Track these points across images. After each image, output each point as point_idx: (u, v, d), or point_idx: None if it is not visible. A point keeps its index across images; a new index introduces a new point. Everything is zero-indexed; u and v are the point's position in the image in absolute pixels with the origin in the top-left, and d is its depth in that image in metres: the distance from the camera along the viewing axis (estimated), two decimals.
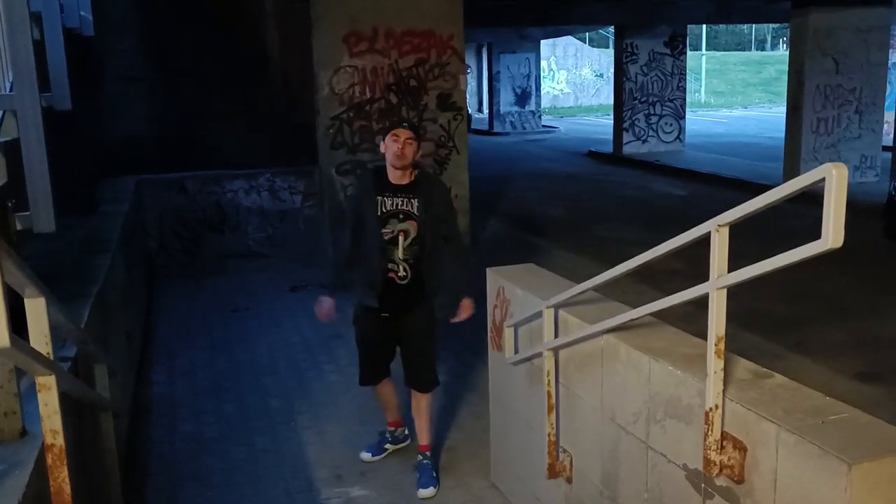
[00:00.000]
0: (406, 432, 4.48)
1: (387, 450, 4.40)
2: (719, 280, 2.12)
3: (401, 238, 3.84)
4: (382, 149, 3.84)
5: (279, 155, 9.16)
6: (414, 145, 3.77)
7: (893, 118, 11.09)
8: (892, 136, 11.25)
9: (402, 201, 3.84)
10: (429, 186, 3.93)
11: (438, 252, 3.95)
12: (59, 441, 1.96)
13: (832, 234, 1.69)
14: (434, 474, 4.11)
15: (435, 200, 3.90)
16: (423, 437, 4.19)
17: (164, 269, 8.45)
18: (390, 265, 3.88)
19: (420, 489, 4.02)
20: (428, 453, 4.18)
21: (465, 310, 4.05)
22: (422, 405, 4.15)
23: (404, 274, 3.89)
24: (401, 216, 3.84)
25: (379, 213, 3.83)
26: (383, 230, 3.84)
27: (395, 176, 3.84)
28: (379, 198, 3.84)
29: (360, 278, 3.99)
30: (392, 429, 4.43)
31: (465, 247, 4.09)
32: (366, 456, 4.37)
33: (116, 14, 8.82)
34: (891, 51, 13.82)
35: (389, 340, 4.11)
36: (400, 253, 3.86)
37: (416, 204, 3.84)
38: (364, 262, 3.94)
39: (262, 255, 8.76)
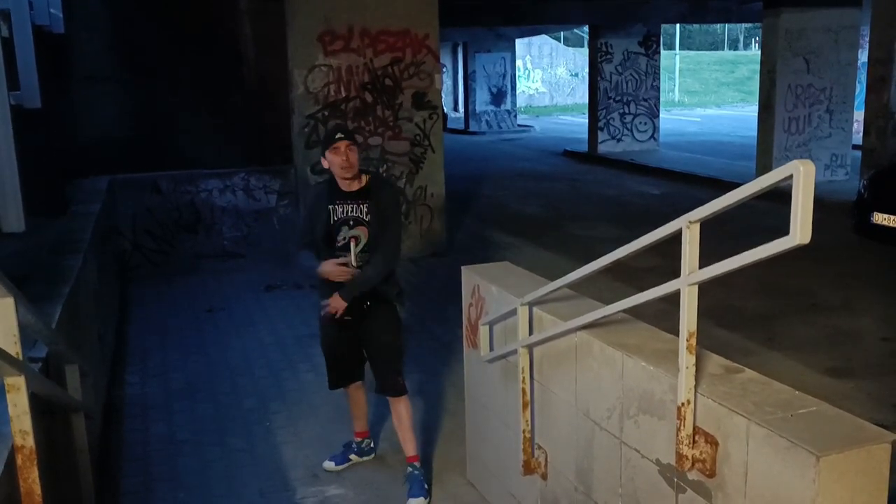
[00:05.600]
0: (371, 445, 4.42)
1: (350, 461, 4.32)
2: (690, 276, 2.14)
3: (352, 244, 3.83)
4: (325, 164, 3.83)
5: (253, 154, 9.12)
6: (356, 150, 3.78)
7: (863, 117, 11.24)
8: (860, 134, 11.41)
9: (353, 207, 3.83)
10: (380, 191, 3.90)
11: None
12: (29, 442, 1.94)
13: (800, 230, 1.72)
14: (425, 486, 3.99)
15: (383, 205, 3.85)
16: (409, 448, 4.06)
17: (137, 269, 8.38)
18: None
19: (410, 499, 3.92)
20: (417, 464, 4.05)
21: (331, 302, 3.83)
22: (401, 414, 4.04)
23: None
24: (351, 223, 3.83)
25: (331, 222, 3.84)
26: (336, 238, 3.85)
27: (345, 184, 3.84)
28: (330, 206, 3.85)
29: (319, 285, 3.96)
30: (358, 440, 4.37)
31: (391, 260, 3.89)
32: (329, 465, 4.29)
33: (87, 11, 8.72)
34: (860, 50, 14.01)
35: (353, 345, 4.05)
36: (353, 259, 3.83)
37: (366, 209, 3.81)
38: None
39: (236, 255, 8.71)
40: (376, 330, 3.96)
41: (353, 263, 3.83)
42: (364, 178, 3.87)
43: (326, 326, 4.04)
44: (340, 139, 3.74)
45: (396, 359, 4.05)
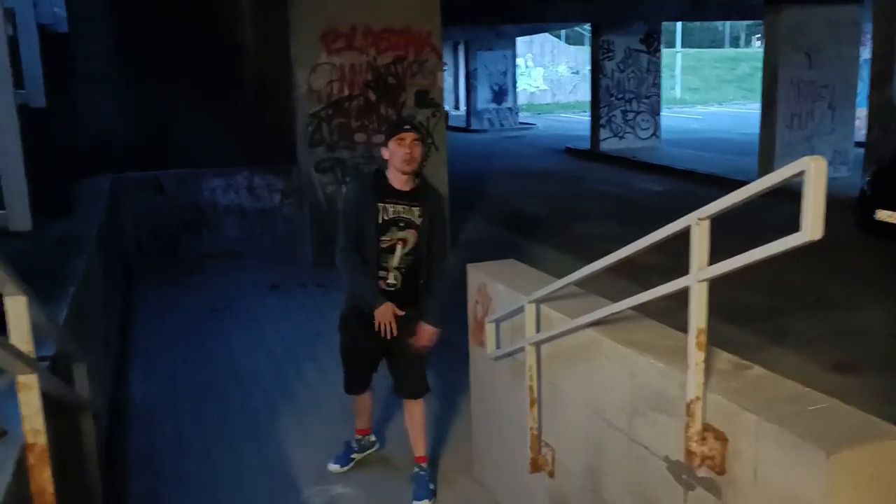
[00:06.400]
0: (373, 439, 4.41)
1: (354, 459, 4.30)
2: (700, 273, 2.13)
3: (399, 247, 3.70)
4: (386, 154, 3.65)
5: (256, 153, 9.11)
6: (421, 147, 3.61)
7: (865, 114, 11.23)
8: (864, 131, 11.40)
9: (404, 209, 3.66)
10: (429, 195, 3.77)
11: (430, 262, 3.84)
12: (41, 440, 1.94)
13: (811, 226, 1.72)
14: (431, 486, 3.98)
15: (433, 210, 3.75)
16: (419, 449, 4.05)
17: (141, 269, 8.38)
18: (381, 272, 3.73)
19: (414, 501, 3.89)
20: (425, 465, 4.04)
21: (423, 338, 3.79)
22: (416, 415, 4.02)
23: (394, 282, 3.75)
24: (401, 224, 3.67)
25: (380, 221, 3.65)
26: (382, 238, 3.68)
27: (399, 181, 3.68)
28: (380, 204, 3.65)
29: (365, 291, 3.80)
30: (360, 437, 4.35)
31: (449, 266, 3.83)
32: (334, 467, 4.25)
33: (90, 10, 8.72)
34: (862, 47, 13.99)
35: (376, 349, 3.94)
36: (395, 261, 3.70)
37: (418, 212, 3.67)
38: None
39: (240, 255, 8.70)
40: (406, 338, 3.84)
41: (395, 265, 3.72)
42: (416, 181, 3.72)
43: (353, 331, 3.94)
44: (408, 130, 3.58)
45: (424, 365, 4.01)
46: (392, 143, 3.60)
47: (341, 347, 4.10)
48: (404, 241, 3.70)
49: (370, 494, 4.06)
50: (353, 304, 3.89)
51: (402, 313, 3.70)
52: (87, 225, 5.82)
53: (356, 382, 4.17)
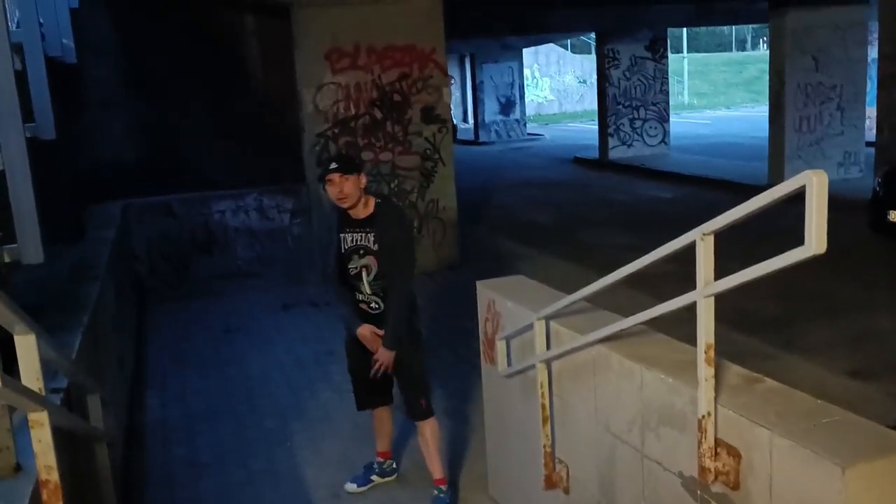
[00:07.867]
0: (394, 465, 4.40)
1: (372, 481, 4.30)
2: (706, 289, 2.13)
3: (364, 273, 3.81)
4: (327, 195, 3.83)
5: (264, 173, 9.17)
6: (351, 179, 3.66)
7: (875, 114, 11.16)
8: (874, 131, 11.33)
9: (360, 236, 3.79)
10: (383, 217, 3.81)
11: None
12: (54, 476, 1.96)
13: (815, 240, 1.71)
14: None
15: (385, 232, 3.78)
16: (436, 471, 4.07)
17: (154, 292, 8.43)
18: (360, 296, 3.86)
19: None
20: (444, 487, 4.05)
21: (379, 360, 3.84)
22: (426, 436, 4.04)
23: (376, 306, 3.85)
24: (361, 252, 3.80)
25: (343, 251, 3.83)
26: (349, 266, 3.83)
27: (352, 212, 3.80)
28: (342, 235, 3.84)
29: (347, 316, 3.97)
30: (381, 460, 4.35)
31: (406, 288, 3.85)
32: (350, 487, 4.26)
33: (98, 39, 8.81)
34: (869, 47, 13.93)
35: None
36: (367, 287, 3.82)
37: (373, 238, 3.77)
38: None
39: (252, 275, 8.74)
40: (399, 355, 3.89)
41: (367, 291, 3.83)
42: (371, 204, 3.81)
43: (354, 351, 4.03)
44: (333, 170, 3.66)
45: (420, 383, 4.03)
46: (327, 187, 3.72)
47: (348, 367, 4.19)
48: (367, 267, 3.81)
49: None
50: (347, 329, 4.03)
51: (381, 332, 3.83)
52: (98, 251, 5.87)
53: (361, 398, 4.21)
